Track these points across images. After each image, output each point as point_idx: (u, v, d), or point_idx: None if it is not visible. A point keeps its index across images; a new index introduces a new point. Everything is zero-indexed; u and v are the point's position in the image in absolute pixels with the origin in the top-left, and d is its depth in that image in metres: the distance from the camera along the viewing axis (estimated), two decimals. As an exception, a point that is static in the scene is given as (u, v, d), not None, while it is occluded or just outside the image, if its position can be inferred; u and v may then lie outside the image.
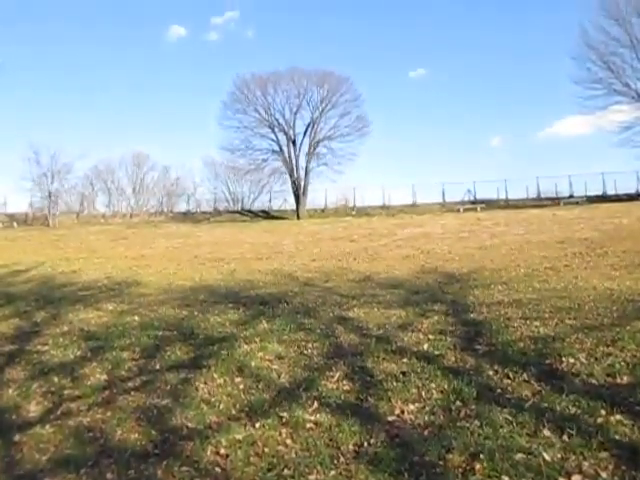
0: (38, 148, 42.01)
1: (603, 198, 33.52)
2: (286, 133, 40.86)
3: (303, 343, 5.81)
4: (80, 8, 79.28)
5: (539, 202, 34.42)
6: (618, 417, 3.38)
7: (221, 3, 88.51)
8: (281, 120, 41.00)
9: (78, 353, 5.95)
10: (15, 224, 39.07)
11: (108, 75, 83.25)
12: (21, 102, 76.57)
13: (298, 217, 37.64)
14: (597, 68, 32.69)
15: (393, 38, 79.44)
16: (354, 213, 37.74)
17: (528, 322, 6.04)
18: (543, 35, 74.60)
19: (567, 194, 36.62)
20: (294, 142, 40.88)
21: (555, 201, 33.78)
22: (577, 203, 31.78)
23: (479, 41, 77.74)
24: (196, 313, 7.96)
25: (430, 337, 5.71)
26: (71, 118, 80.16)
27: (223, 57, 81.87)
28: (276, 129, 40.99)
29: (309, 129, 41.03)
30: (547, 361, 4.60)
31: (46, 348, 6.19)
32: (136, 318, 7.71)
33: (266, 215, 41.60)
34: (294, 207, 40.63)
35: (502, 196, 38.17)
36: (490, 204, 35.22)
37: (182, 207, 49.90)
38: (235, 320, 7.34)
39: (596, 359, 4.53)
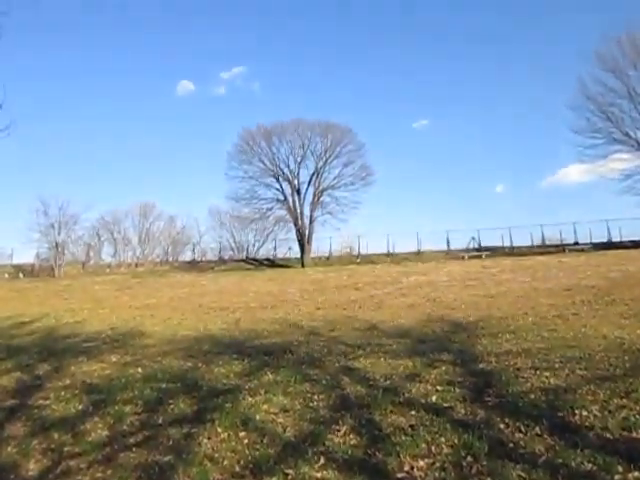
0: (47, 200, 42.74)
1: (608, 245, 33.43)
2: (290, 182, 41.37)
3: (309, 395, 5.70)
4: (92, 63, 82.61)
5: (544, 249, 34.32)
6: (636, 474, 3.26)
7: (229, 59, 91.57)
8: (286, 170, 41.65)
9: (80, 407, 5.84)
10: (21, 275, 39.23)
11: (117, 128, 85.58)
12: (31, 156, 78.41)
13: (303, 265, 37.59)
14: (596, 118, 33.22)
15: (397, 90, 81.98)
16: (359, 261, 37.71)
17: (538, 372, 5.92)
18: (544, 84, 76.62)
19: (572, 241, 36.57)
20: (298, 191, 41.34)
21: (560, 248, 33.68)
22: (582, 250, 31.69)
23: (480, 92, 79.96)
24: (200, 364, 7.86)
25: (439, 388, 5.60)
26: (79, 170, 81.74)
27: (230, 109, 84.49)
28: (281, 179, 41.58)
29: (313, 178, 41.59)
30: (560, 414, 4.48)
31: (47, 402, 6.10)
32: (139, 370, 7.61)
33: (271, 263, 41.61)
34: (299, 255, 40.65)
35: (507, 243, 38.15)
36: (495, 251, 35.17)
37: (187, 256, 50.20)
38: (239, 371, 7.23)
39: (610, 412, 4.41)
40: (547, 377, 5.69)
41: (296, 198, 41.15)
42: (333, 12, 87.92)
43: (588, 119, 33.45)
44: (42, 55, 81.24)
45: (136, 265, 43.97)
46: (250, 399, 5.65)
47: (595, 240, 35.36)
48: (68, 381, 7.12)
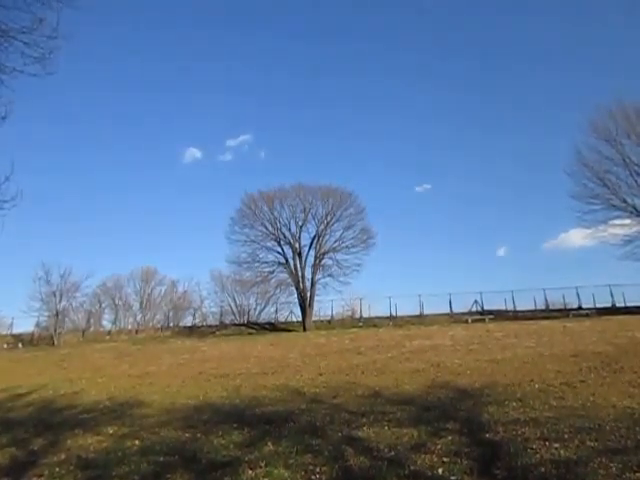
0: (49, 268, 42.82)
1: (612, 310, 33.11)
2: (292, 246, 41.57)
3: (311, 467, 5.52)
4: (100, 132, 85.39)
5: (548, 313, 33.98)
6: None
7: (236, 128, 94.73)
8: (287, 234, 41.93)
9: (74, 483, 5.65)
10: (20, 344, 38.70)
11: (122, 197, 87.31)
12: (34, 227, 79.52)
13: (304, 329, 37.14)
14: (593, 184, 33.52)
15: (401, 155, 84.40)
16: (361, 324, 37.29)
17: (547, 443, 5.75)
18: (544, 149, 78.71)
19: (575, 305, 36.28)
20: (300, 254, 41.45)
21: (564, 313, 33.34)
22: (587, 315, 31.36)
23: (481, 159, 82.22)
24: (199, 435, 7.65)
25: (445, 460, 5.43)
26: (82, 238, 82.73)
27: (235, 175, 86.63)
28: (282, 242, 41.78)
29: (314, 242, 41.78)
30: (571, 488, 4.32)
31: None
32: (137, 442, 7.40)
33: (272, 327, 41.13)
34: (300, 318, 40.25)
35: (510, 307, 37.82)
36: (498, 315, 34.83)
37: (188, 321, 49.61)
38: (239, 441, 7.03)
39: (623, 486, 4.25)
40: (557, 448, 5.52)
41: (297, 261, 41.21)
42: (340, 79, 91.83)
43: (585, 185, 33.84)
44: (48, 126, 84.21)
45: (136, 331, 43.44)
46: (250, 472, 5.47)
47: (599, 305, 35.07)
48: (63, 456, 6.91)
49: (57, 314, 41.63)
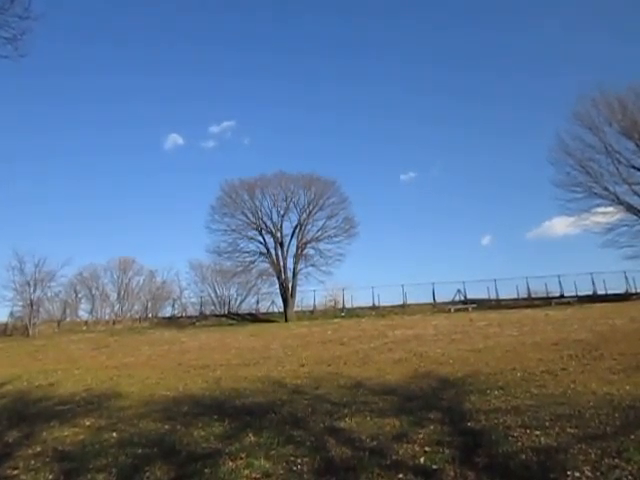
0: (23, 256, 42.06)
1: (593, 298, 33.75)
2: (274, 235, 41.45)
3: (292, 458, 5.55)
4: (78, 115, 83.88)
5: (530, 302, 34.50)
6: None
7: (219, 114, 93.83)
8: (268, 223, 41.77)
9: (50, 477, 5.60)
10: (-7, 335, 38.19)
11: (100, 184, 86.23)
12: (6, 215, 78.06)
13: (286, 319, 37.20)
14: (576, 172, 33.95)
15: (385, 142, 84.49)
16: (343, 314, 37.47)
17: (528, 431, 5.86)
18: (528, 137, 79.41)
19: (558, 294, 36.88)
20: (282, 244, 41.37)
21: (546, 301, 33.90)
22: (569, 303, 31.90)
23: (467, 143, 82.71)
24: (179, 427, 7.63)
25: (427, 449, 5.50)
26: (57, 226, 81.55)
27: (218, 163, 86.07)
28: (263, 231, 41.62)
29: (296, 231, 41.74)
30: (552, 475, 4.42)
31: (16, 472, 5.84)
32: (114, 434, 7.36)
33: (253, 318, 41.12)
34: (282, 309, 40.29)
35: (493, 296, 38.30)
36: (481, 304, 35.24)
37: (167, 311, 49.42)
38: (220, 433, 7.03)
39: (602, 473, 4.36)
40: (537, 436, 5.63)
41: (279, 251, 41.15)
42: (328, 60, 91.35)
43: (568, 173, 34.28)
44: (22, 107, 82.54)
45: (114, 322, 43.08)
46: (231, 464, 5.48)
47: (580, 293, 35.72)
48: (39, 448, 6.84)
49: (31, 304, 40.99)
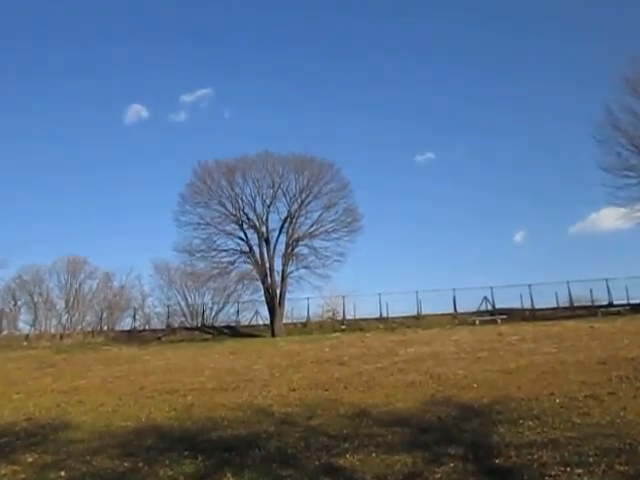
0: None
1: (650, 307, 33.80)
2: (257, 230, 41.23)
3: (281, 504, 5.59)
4: (18, 91, 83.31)
5: (572, 312, 34.53)
6: None
7: (193, 79, 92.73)
8: (251, 214, 41.47)
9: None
10: None
11: (43, 169, 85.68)
12: None
13: (273, 334, 37.17)
14: (628, 153, 33.30)
15: (397, 117, 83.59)
16: (344, 328, 37.48)
17: (569, 469, 5.92)
18: (570, 113, 78.93)
19: (605, 302, 36.86)
20: (267, 241, 41.16)
21: (592, 310, 33.92)
22: (619, 313, 31.95)
23: (496, 121, 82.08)
24: (141, 464, 7.67)
25: (445, 493, 5.54)
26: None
27: (190, 140, 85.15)
28: (245, 225, 41.36)
29: (286, 225, 41.47)
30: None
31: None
32: (62, 473, 7.40)
33: (233, 332, 41.09)
34: (268, 321, 40.22)
35: (527, 304, 38.35)
36: (512, 315, 35.29)
37: (127, 323, 49.36)
38: (192, 473, 7.07)
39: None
40: (580, 475, 5.69)
41: (264, 249, 40.97)
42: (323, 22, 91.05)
43: (619, 154, 33.75)
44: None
45: (61, 337, 43.01)
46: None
47: (633, 301, 35.71)
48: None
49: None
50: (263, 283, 40.41)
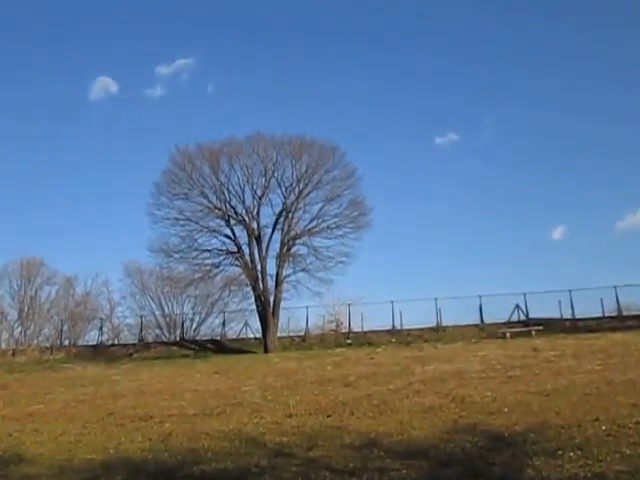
0: None
1: None
2: (247, 227, 41.07)
3: None
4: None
5: (620, 322, 34.55)
6: None
7: (171, 47, 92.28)
8: (239, 208, 41.31)
9: None
10: None
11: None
12: None
13: (266, 349, 37.21)
14: None
15: (413, 90, 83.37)
16: (349, 342, 37.56)
17: (617, 509, 5.91)
18: (616, 87, 78.65)
19: (660, 310, 36.96)
20: (259, 239, 41.04)
21: (644, 321, 34.03)
22: (676, 323, 32.07)
23: (531, 94, 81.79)
24: (109, 505, 7.68)
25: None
26: None
27: (166, 120, 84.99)
28: (232, 221, 41.16)
29: (281, 220, 41.38)
30: None
31: None
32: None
33: (218, 347, 41.11)
34: (260, 334, 40.25)
35: (566, 314, 38.36)
36: (550, 326, 35.27)
37: (92, 337, 49.42)
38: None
39: None
40: (631, 516, 5.68)
41: (255, 249, 40.90)
42: None
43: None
44: None
45: (14, 353, 43.12)
46: None
47: (695, 308, 35.79)
48: None
49: None
50: (254, 289, 40.37)
